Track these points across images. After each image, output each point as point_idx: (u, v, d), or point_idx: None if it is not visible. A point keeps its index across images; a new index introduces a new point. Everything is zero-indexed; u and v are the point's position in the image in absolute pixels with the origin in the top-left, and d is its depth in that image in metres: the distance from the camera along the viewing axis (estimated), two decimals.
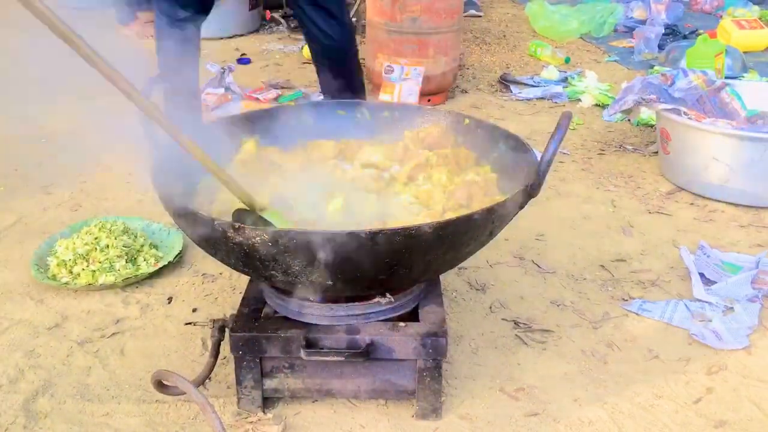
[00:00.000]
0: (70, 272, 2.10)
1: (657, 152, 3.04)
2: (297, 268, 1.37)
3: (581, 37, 5.12)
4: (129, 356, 1.83)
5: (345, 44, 2.96)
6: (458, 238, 1.41)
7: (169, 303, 2.06)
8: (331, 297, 1.58)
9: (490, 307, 2.05)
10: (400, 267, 1.41)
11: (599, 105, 3.75)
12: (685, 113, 2.70)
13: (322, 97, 3.78)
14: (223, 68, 3.75)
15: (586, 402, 1.70)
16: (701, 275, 2.17)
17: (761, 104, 2.97)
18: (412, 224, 1.34)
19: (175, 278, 2.18)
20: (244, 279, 1.93)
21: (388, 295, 1.59)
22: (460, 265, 1.76)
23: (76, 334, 1.92)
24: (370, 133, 1.94)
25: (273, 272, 1.40)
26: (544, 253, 2.34)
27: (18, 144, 3.15)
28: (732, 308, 2.03)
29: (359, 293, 1.58)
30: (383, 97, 3.58)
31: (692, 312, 2.03)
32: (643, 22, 5.24)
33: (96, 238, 2.17)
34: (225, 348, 1.60)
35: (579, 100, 3.83)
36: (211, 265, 2.18)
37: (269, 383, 1.61)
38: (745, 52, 4.33)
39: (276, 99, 3.74)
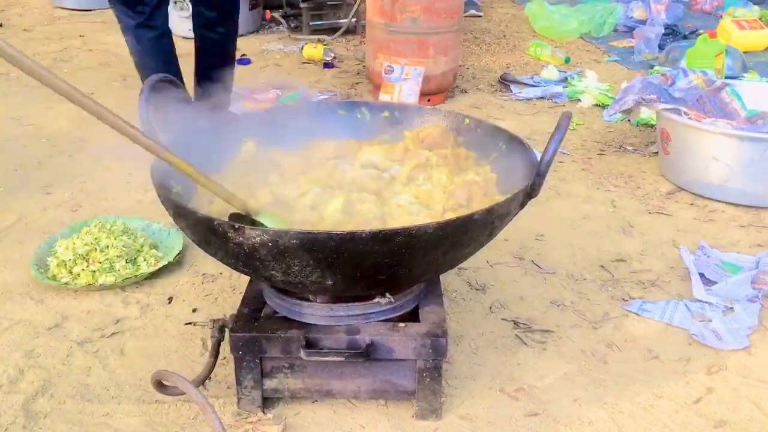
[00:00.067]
0: (70, 272, 2.10)
1: (657, 152, 3.04)
2: (297, 268, 1.37)
3: (581, 37, 5.12)
4: (129, 356, 1.83)
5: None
6: (458, 238, 1.41)
7: (169, 303, 2.06)
8: (331, 297, 1.58)
9: (490, 307, 2.05)
10: (400, 267, 1.41)
11: (599, 105, 3.75)
12: (685, 113, 2.70)
13: (322, 97, 3.79)
14: None
15: (586, 402, 1.70)
16: (701, 275, 2.17)
17: (761, 104, 2.97)
18: (412, 224, 1.34)
19: (175, 278, 2.18)
20: (244, 279, 1.93)
21: (388, 295, 1.59)
22: (460, 265, 1.76)
23: (76, 334, 1.92)
24: (370, 133, 1.94)
25: (273, 272, 1.40)
26: (544, 253, 2.34)
27: (18, 144, 3.15)
28: (732, 308, 2.03)
29: (359, 293, 1.58)
30: (383, 97, 3.58)
31: (692, 312, 2.03)
32: (643, 22, 5.24)
33: (96, 238, 2.17)
34: (225, 348, 1.60)
35: (579, 100, 3.83)
36: (211, 265, 2.18)
37: (269, 383, 1.61)
38: (745, 52, 4.33)
39: (276, 99, 3.74)
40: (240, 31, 5.05)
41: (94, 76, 4.08)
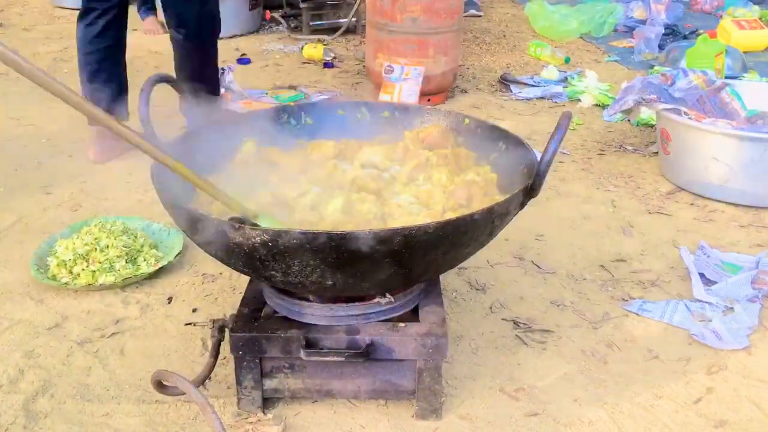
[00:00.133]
0: (70, 272, 2.10)
1: (657, 152, 3.04)
2: (297, 268, 1.37)
3: (581, 37, 5.12)
4: (129, 356, 1.83)
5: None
6: (458, 238, 1.41)
7: (169, 303, 2.06)
8: (331, 297, 1.58)
9: (490, 307, 2.05)
10: (400, 267, 1.41)
11: (599, 105, 3.75)
12: (685, 113, 2.70)
13: (322, 97, 3.80)
14: (223, 68, 3.75)
15: (586, 402, 1.70)
16: (701, 275, 2.17)
17: (761, 104, 2.97)
18: (412, 224, 1.34)
19: (175, 278, 2.18)
20: (244, 279, 1.93)
21: (388, 295, 1.59)
22: (460, 265, 1.76)
23: (76, 334, 1.92)
24: (370, 133, 1.94)
25: (273, 272, 1.40)
26: (544, 253, 2.34)
27: (18, 144, 3.15)
28: (732, 308, 2.03)
29: (359, 293, 1.58)
30: (383, 97, 3.58)
31: (692, 312, 2.03)
32: (643, 22, 5.24)
33: (96, 238, 2.17)
34: (225, 348, 1.60)
35: (579, 100, 3.83)
36: (211, 265, 2.18)
37: (269, 383, 1.61)
38: (745, 52, 4.33)
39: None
40: (240, 31, 5.10)
41: None
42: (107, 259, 2.12)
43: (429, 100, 3.66)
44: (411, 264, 1.42)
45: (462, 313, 2.02)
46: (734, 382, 1.78)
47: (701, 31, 4.97)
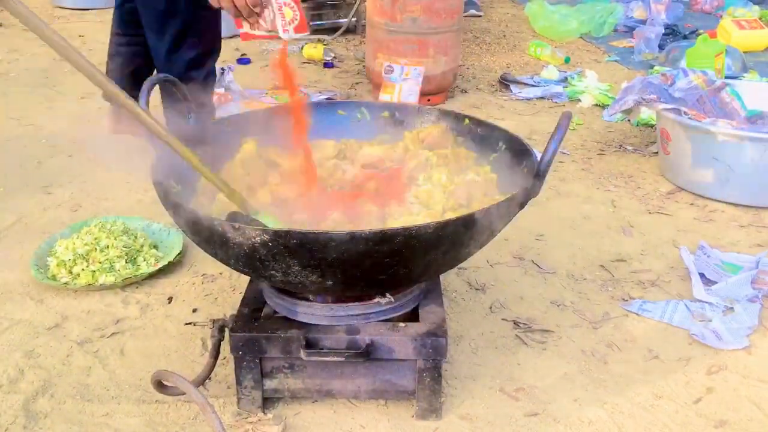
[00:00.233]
0: (70, 272, 2.10)
1: (657, 152, 3.04)
2: (297, 268, 1.37)
3: (581, 37, 5.12)
4: (129, 356, 1.83)
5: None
6: (458, 238, 1.41)
7: (169, 303, 2.06)
8: (331, 297, 1.58)
9: (490, 307, 2.05)
10: (400, 267, 1.41)
11: (599, 105, 3.75)
12: (685, 113, 2.70)
13: (322, 97, 3.79)
14: (223, 68, 3.75)
15: (586, 402, 1.70)
16: (701, 275, 2.17)
17: (761, 104, 2.97)
18: (412, 224, 1.34)
19: (175, 278, 2.18)
20: (244, 279, 1.93)
21: (388, 295, 1.59)
22: (460, 265, 1.76)
23: (76, 334, 1.92)
24: (370, 133, 1.94)
25: (273, 272, 1.40)
26: (544, 253, 2.34)
27: (18, 144, 3.15)
28: (732, 308, 2.03)
29: (359, 293, 1.58)
30: (383, 97, 3.58)
31: (692, 312, 2.03)
32: (643, 22, 5.24)
33: (96, 238, 2.17)
34: (225, 348, 1.60)
35: (579, 100, 3.83)
36: (211, 265, 2.18)
37: (269, 383, 1.61)
38: (745, 52, 4.33)
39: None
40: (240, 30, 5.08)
41: None
42: (107, 259, 2.12)
43: (429, 100, 3.66)
44: (411, 264, 1.42)
45: (462, 313, 2.02)
46: (734, 382, 1.78)
47: (701, 31, 4.97)
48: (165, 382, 1.55)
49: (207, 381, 1.69)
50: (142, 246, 2.21)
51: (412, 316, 1.64)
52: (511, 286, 2.16)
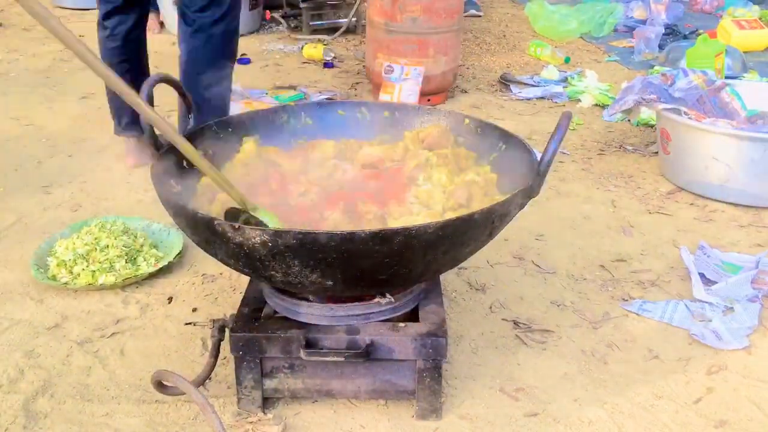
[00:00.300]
0: (70, 272, 2.10)
1: (657, 152, 3.04)
2: (297, 268, 1.37)
3: (581, 37, 5.12)
4: (129, 356, 1.83)
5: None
6: (458, 238, 1.41)
7: (169, 303, 2.06)
8: (331, 297, 1.58)
9: (490, 307, 2.05)
10: (400, 267, 1.41)
11: (599, 105, 3.75)
12: (685, 113, 2.70)
13: (322, 97, 3.79)
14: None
15: (586, 402, 1.70)
16: (701, 275, 2.17)
17: (761, 104, 2.97)
18: (412, 224, 1.34)
19: (175, 278, 2.18)
20: (244, 279, 1.93)
21: (388, 295, 1.59)
22: (460, 265, 1.76)
23: (76, 334, 1.92)
24: (370, 133, 1.94)
25: (273, 272, 1.40)
26: (544, 253, 2.34)
27: (18, 144, 3.15)
28: (732, 308, 2.03)
29: (359, 293, 1.58)
30: (383, 97, 3.58)
31: (692, 312, 2.03)
32: (643, 22, 5.24)
33: (96, 238, 2.17)
34: (225, 348, 1.60)
35: (579, 100, 3.83)
36: (211, 265, 2.18)
37: (269, 383, 1.61)
38: (745, 52, 4.33)
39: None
40: (240, 31, 5.08)
41: (94, 75, 4.07)
42: (107, 259, 2.12)
43: (429, 100, 3.66)
44: (411, 264, 1.42)
45: (462, 313, 2.02)
46: (734, 382, 1.78)
47: (701, 31, 4.97)
48: (165, 382, 1.55)
49: (207, 381, 1.69)
50: (142, 246, 2.21)
51: (412, 316, 1.64)
52: (511, 286, 2.16)
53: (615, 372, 1.80)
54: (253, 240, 1.32)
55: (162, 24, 5.07)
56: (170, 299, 2.07)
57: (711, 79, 2.96)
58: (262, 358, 1.57)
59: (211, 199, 1.62)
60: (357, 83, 4.09)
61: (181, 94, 1.67)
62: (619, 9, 5.28)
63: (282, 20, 5.32)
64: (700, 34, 4.58)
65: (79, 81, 3.90)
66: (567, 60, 4.52)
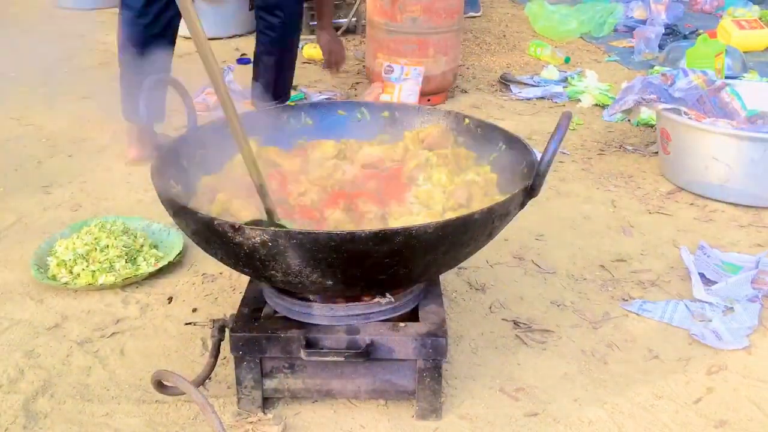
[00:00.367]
0: (70, 272, 2.10)
1: (657, 152, 3.04)
2: (297, 268, 1.37)
3: (581, 37, 5.12)
4: (129, 356, 1.83)
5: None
6: (458, 238, 1.41)
7: (169, 303, 2.06)
8: (331, 297, 1.58)
9: (490, 307, 2.05)
10: (400, 267, 1.41)
11: (599, 105, 3.75)
12: (685, 113, 2.70)
13: (322, 97, 3.79)
14: (223, 68, 3.75)
15: (586, 402, 1.70)
16: (701, 275, 2.17)
17: (761, 104, 2.97)
18: (412, 224, 1.34)
19: (175, 278, 2.18)
20: (244, 279, 1.93)
21: (388, 295, 1.59)
22: (460, 265, 1.76)
23: (76, 334, 1.92)
24: (370, 133, 1.94)
25: (273, 272, 1.40)
26: (544, 253, 2.34)
27: (18, 144, 3.15)
28: (732, 308, 2.03)
29: (359, 293, 1.58)
30: (383, 97, 3.58)
31: (692, 312, 2.03)
32: (643, 22, 5.24)
33: (96, 238, 2.17)
34: (225, 348, 1.60)
35: (579, 100, 3.83)
36: (211, 265, 2.18)
37: (269, 383, 1.61)
38: (745, 52, 4.33)
39: None
40: (240, 31, 5.09)
41: (94, 76, 4.08)
42: (107, 259, 2.12)
43: (429, 100, 3.66)
44: (411, 264, 1.42)
45: (462, 313, 2.02)
46: (734, 382, 1.78)
47: (701, 31, 4.97)
48: (165, 382, 1.55)
49: (207, 381, 1.69)
50: (142, 246, 2.21)
51: (412, 316, 1.64)
52: (511, 286, 2.16)
53: (615, 372, 1.80)
54: (253, 240, 1.32)
55: None
56: (170, 299, 2.07)
57: (711, 79, 2.96)
58: (262, 358, 1.58)
59: (211, 199, 1.62)
60: (357, 83, 4.09)
61: (183, 95, 1.68)
62: (619, 9, 5.28)
63: None
64: (700, 34, 4.58)
65: (79, 81, 3.90)
66: (567, 60, 4.52)
